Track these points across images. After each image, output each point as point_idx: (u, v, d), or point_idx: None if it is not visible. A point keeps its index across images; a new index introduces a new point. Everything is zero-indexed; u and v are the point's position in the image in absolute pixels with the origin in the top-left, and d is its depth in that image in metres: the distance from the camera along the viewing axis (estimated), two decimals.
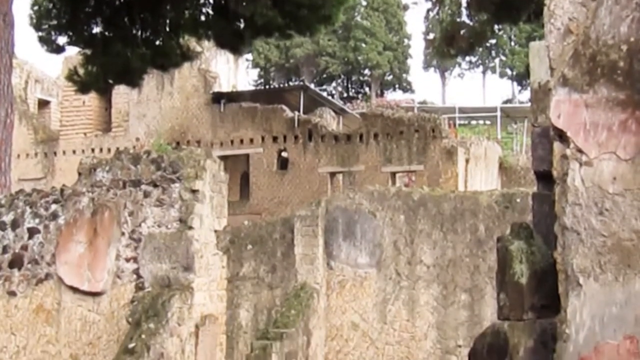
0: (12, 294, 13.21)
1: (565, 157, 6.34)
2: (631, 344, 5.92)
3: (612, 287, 6.03)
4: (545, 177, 6.87)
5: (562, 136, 6.40)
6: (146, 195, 12.33)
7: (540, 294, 6.38)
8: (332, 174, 37.31)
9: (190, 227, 11.94)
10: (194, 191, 12.03)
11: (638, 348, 5.91)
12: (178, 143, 35.31)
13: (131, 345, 11.11)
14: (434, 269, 15.18)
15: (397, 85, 77.98)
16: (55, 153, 42.00)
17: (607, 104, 6.34)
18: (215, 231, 12.38)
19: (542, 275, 6.37)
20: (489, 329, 6.50)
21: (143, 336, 11.15)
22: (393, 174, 35.30)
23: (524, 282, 6.36)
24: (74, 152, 39.92)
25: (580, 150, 6.28)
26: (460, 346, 14.39)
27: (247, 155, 38.69)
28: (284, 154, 38.50)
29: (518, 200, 14.45)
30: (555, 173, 6.45)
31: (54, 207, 13.08)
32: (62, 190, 13.21)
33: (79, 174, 13.21)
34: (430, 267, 15.20)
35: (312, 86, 45.74)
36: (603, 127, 6.31)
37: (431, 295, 15.15)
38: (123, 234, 12.43)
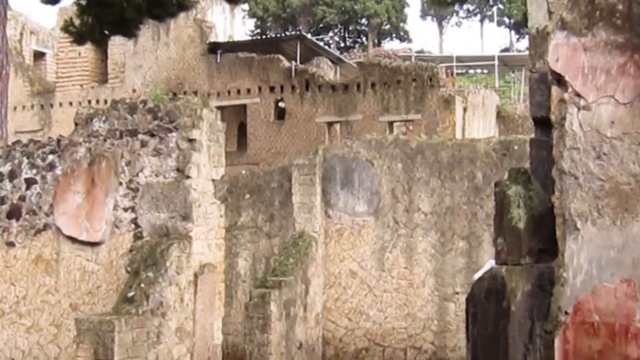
0: (10, 244, 13.24)
1: (563, 101, 6.31)
2: (628, 287, 5.94)
3: (609, 231, 6.04)
4: (543, 123, 6.85)
5: (560, 80, 6.36)
6: (143, 144, 12.30)
7: (537, 239, 6.39)
8: (330, 124, 37.25)
9: (188, 177, 11.93)
10: (191, 140, 11.99)
11: (635, 291, 5.93)
12: (175, 94, 35.14)
13: (130, 294, 11.16)
14: (432, 217, 15.20)
15: (394, 35, 77.63)
16: (51, 105, 41.87)
17: (606, 48, 6.29)
18: (213, 180, 12.37)
19: (539, 220, 6.37)
20: (486, 274, 6.52)
21: (142, 285, 11.19)
22: (390, 123, 35.24)
23: (521, 227, 6.37)
24: (70, 104, 39.79)
25: (578, 94, 6.25)
26: (457, 293, 14.45)
27: (244, 106, 38.60)
28: (281, 104, 38.41)
29: (516, 147, 14.43)
30: (553, 117, 6.43)
31: (51, 157, 13.05)
32: (58, 141, 13.17)
33: (76, 124, 13.16)
34: (428, 214, 15.22)
35: (309, 36, 45.41)
36: (601, 71, 6.27)
37: (429, 243, 15.19)
38: (121, 183, 12.42)
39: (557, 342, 6.13)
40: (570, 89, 6.31)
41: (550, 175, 6.39)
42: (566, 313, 6.13)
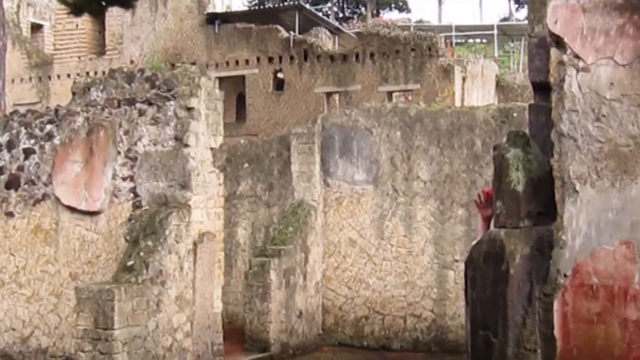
0: (9, 214, 13.24)
1: (562, 64, 6.27)
2: (627, 249, 5.93)
3: (608, 193, 6.02)
4: (542, 88, 6.81)
5: (559, 42, 6.32)
6: (141, 113, 12.26)
7: (536, 202, 6.37)
8: (329, 94, 37.18)
9: (186, 145, 11.90)
10: (189, 109, 11.96)
11: (634, 253, 5.92)
12: (173, 65, 35.04)
13: (130, 263, 11.16)
14: (431, 185, 15.17)
15: (393, 5, 77.32)
16: (49, 77, 41.78)
17: (605, 9, 6.25)
18: (212, 149, 12.34)
19: (538, 183, 6.35)
20: (485, 237, 6.51)
21: (141, 254, 11.19)
22: (390, 93, 35.19)
23: (520, 190, 6.35)
24: (68, 75, 39.65)
25: (577, 56, 6.21)
26: (457, 261, 14.46)
27: (242, 77, 38.51)
28: (279, 75, 38.32)
29: (515, 114, 14.39)
30: (552, 80, 6.39)
31: (49, 127, 13.02)
32: (56, 111, 13.14)
33: (73, 93, 13.12)
34: (427, 182, 15.19)
35: (307, 6, 45.21)
36: (600, 32, 6.23)
37: (428, 211, 15.17)
38: (119, 153, 12.39)
39: (556, 305, 6.13)
40: (569, 51, 6.27)
41: (549, 140, 6.37)
42: (565, 276, 6.12)
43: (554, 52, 6.45)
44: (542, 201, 6.34)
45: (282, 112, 37.47)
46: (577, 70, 6.22)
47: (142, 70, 12.63)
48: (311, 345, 15.44)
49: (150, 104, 12.23)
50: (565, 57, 6.31)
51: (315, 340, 15.66)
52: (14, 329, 13.06)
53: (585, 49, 6.16)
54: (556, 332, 6.08)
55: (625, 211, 5.96)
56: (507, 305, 6.16)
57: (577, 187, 6.09)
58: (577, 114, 6.16)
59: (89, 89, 12.78)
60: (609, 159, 6.05)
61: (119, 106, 12.44)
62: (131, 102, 12.36)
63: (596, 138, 6.12)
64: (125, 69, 12.89)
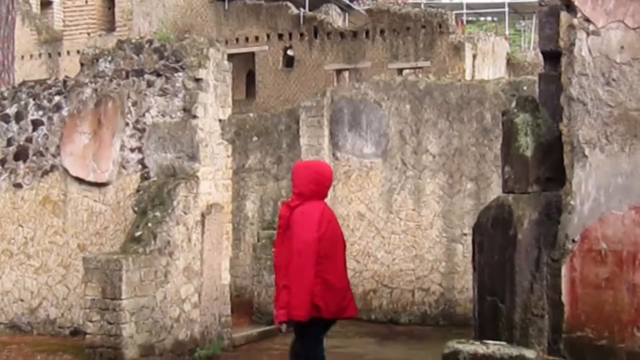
0: (18, 186, 13.24)
1: (572, 27, 6.22)
2: (636, 214, 5.90)
3: (617, 158, 5.99)
4: (552, 57, 6.77)
5: (569, 6, 6.27)
6: (149, 84, 12.22)
7: (545, 167, 6.35)
8: (338, 71, 37.12)
9: (195, 116, 11.87)
10: (197, 80, 11.92)
11: None
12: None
13: (138, 234, 11.16)
14: (440, 158, 15.11)
15: None
16: (59, 54, 41.81)
17: None
18: (220, 120, 12.31)
19: (547, 148, 6.33)
20: (493, 202, 6.48)
21: (149, 225, 11.18)
22: (400, 71, 35.11)
23: (529, 155, 6.33)
24: (78, 52, 39.57)
25: (587, 20, 6.17)
26: (465, 234, 14.39)
27: (252, 54, 38.45)
28: (289, 52, 38.25)
29: (525, 88, 14.28)
30: (562, 44, 6.35)
31: (57, 98, 13.00)
32: (64, 82, 13.11)
33: (82, 64, 13.10)
34: (436, 156, 15.13)
35: None
36: None
37: (437, 185, 15.11)
38: (127, 124, 12.37)
39: (564, 270, 6.12)
40: (579, 14, 6.23)
41: (559, 109, 6.33)
42: (573, 241, 6.11)
43: (564, 15, 6.39)
44: (551, 166, 6.32)
45: (291, 89, 37.44)
46: (588, 34, 6.18)
47: (150, 42, 12.58)
48: None
49: (158, 75, 12.19)
50: (575, 21, 6.26)
51: None
52: (22, 300, 13.10)
53: (595, 12, 6.11)
54: (564, 297, 6.07)
55: (635, 176, 5.94)
56: (515, 271, 6.15)
57: (587, 152, 6.06)
58: (587, 78, 6.12)
59: (97, 60, 12.75)
60: (619, 123, 6.02)
61: (127, 77, 12.40)
62: (139, 73, 12.32)
63: (606, 102, 6.08)
64: (133, 40, 12.84)
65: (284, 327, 7.46)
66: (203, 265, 11.76)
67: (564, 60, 6.30)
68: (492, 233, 6.35)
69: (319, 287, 7.19)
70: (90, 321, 10.72)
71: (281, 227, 7.42)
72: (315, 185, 7.42)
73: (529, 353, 5.28)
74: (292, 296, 7.12)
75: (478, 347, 5.36)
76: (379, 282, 15.53)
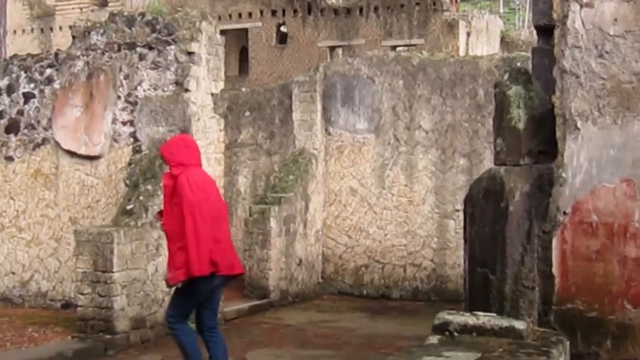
0: (9, 159, 13.21)
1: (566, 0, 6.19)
2: (628, 186, 5.90)
3: (610, 130, 5.98)
4: (545, 32, 6.75)
5: None
6: (141, 58, 12.17)
7: (537, 139, 6.34)
8: (332, 48, 37.01)
9: (187, 90, 11.82)
10: (189, 53, 11.86)
11: (635, 191, 5.89)
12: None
13: (129, 207, 11.14)
14: (433, 134, 15.10)
15: None
16: (51, 29, 41.58)
17: None
18: (212, 94, 12.26)
19: (540, 120, 6.31)
20: (485, 174, 6.48)
21: (141, 198, 11.16)
22: (393, 48, 34.98)
23: (521, 127, 6.31)
24: (70, 27, 39.31)
25: None
26: (458, 210, 14.40)
27: (245, 30, 38.31)
28: (283, 28, 38.12)
29: (518, 64, 14.24)
30: (555, 16, 6.32)
31: (48, 71, 12.94)
32: (56, 54, 13.06)
33: (73, 37, 13.02)
34: (428, 132, 15.12)
35: None
36: None
37: (429, 160, 15.11)
38: (119, 97, 12.32)
39: (555, 242, 6.12)
40: None
41: (552, 83, 6.31)
42: (565, 213, 6.10)
43: None
44: (543, 139, 6.30)
45: (285, 65, 37.33)
46: (581, 6, 6.15)
47: (142, 15, 12.51)
48: (311, 293, 15.46)
49: (150, 48, 12.14)
50: None
51: (315, 288, 15.69)
52: (13, 273, 13.09)
53: None
54: (555, 269, 6.07)
55: (627, 148, 5.93)
56: (506, 243, 6.15)
57: (579, 124, 6.05)
58: (580, 50, 6.10)
59: (89, 33, 12.68)
60: (612, 95, 6.00)
61: (119, 50, 12.35)
62: (131, 46, 12.26)
63: (599, 75, 6.06)
64: (125, 13, 12.78)
65: (179, 285, 7.54)
66: None
67: (557, 33, 6.28)
68: (484, 205, 6.35)
69: (211, 244, 7.46)
70: (82, 294, 10.71)
71: (167, 196, 7.74)
72: (189, 153, 7.83)
73: (519, 324, 5.28)
74: (190, 255, 7.38)
75: (468, 319, 5.36)
76: (371, 257, 15.56)
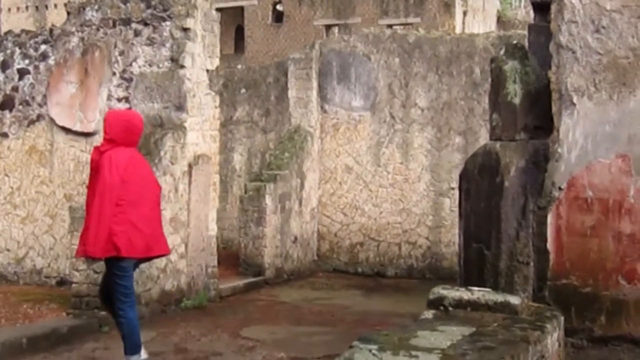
0: (4, 135, 13.17)
1: None
2: (623, 162, 5.89)
3: (606, 106, 5.97)
4: (542, 8, 6.73)
5: None
6: (137, 34, 12.12)
7: (533, 115, 6.33)
8: (328, 27, 36.93)
9: (182, 66, 11.77)
10: (185, 29, 11.81)
11: (630, 166, 5.88)
12: None
13: None
14: (429, 112, 15.09)
15: None
16: (46, 6, 41.50)
17: None
18: (208, 70, 12.22)
19: (536, 96, 6.30)
20: (480, 149, 6.47)
21: None
22: (390, 27, 34.89)
23: (517, 102, 6.30)
24: (65, 4, 39.25)
25: None
26: (453, 188, 14.41)
27: (241, 8, 38.20)
28: (278, 7, 38.03)
29: (515, 42, 14.22)
30: None
31: (43, 47, 12.89)
32: (51, 30, 12.99)
33: (68, 13, 12.96)
34: (424, 110, 15.10)
35: None
36: None
37: (425, 138, 15.10)
38: (114, 73, 12.27)
39: (550, 218, 6.12)
40: None
41: (548, 59, 6.29)
42: (560, 189, 6.10)
43: None
44: (539, 114, 6.30)
45: (280, 44, 37.26)
46: None
47: None
48: (306, 270, 15.48)
49: (145, 24, 12.08)
50: None
51: (310, 265, 15.71)
52: (8, 250, 13.07)
53: None
54: (549, 245, 6.08)
55: (623, 124, 5.92)
56: (501, 218, 6.15)
57: (575, 100, 6.04)
58: (577, 25, 6.07)
59: (83, 9, 12.62)
60: (608, 71, 5.99)
61: (114, 26, 12.29)
62: (126, 22, 12.21)
63: (595, 50, 6.05)
64: None
65: (90, 261, 7.82)
66: (190, 216, 11.73)
67: (553, 8, 6.25)
68: (479, 180, 6.34)
69: (121, 227, 7.44)
70: (77, 270, 10.69)
71: (92, 170, 7.73)
72: (125, 132, 7.76)
73: (513, 299, 5.29)
74: (89, 234, 7.44)
75: (463, 293, 5.37)
76: (366, 235, 15.57)
